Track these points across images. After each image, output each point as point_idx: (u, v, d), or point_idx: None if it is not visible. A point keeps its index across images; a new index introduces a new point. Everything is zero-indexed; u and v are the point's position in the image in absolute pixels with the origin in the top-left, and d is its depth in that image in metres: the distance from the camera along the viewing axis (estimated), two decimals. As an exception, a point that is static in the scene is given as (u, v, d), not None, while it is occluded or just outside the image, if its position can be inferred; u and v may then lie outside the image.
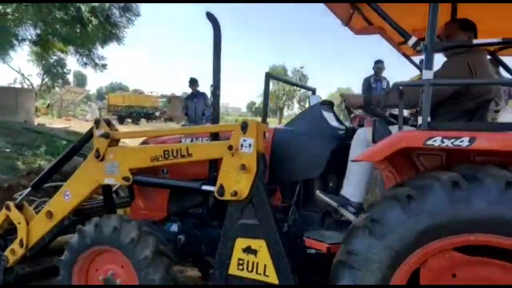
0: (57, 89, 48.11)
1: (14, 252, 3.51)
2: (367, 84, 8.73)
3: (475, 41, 2.22)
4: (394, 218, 2.07)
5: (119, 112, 35.28)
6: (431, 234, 2.01)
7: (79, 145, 3.50)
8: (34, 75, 46.89)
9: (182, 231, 3.29)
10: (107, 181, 3.21)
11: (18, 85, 42.26)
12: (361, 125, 3.06)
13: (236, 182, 2.75)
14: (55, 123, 21.27)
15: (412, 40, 2.20)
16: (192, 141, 3.26)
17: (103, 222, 2.94)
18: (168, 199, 3.36)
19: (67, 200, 3.34)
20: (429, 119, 2.10)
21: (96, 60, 14.45)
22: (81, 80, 68.44)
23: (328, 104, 3.26)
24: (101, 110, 39.07)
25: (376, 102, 2.86)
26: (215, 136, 3.01)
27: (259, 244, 2.72)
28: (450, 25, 2.88)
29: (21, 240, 3.47)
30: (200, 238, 3.20)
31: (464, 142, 1.94)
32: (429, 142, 2.00)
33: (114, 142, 3.24)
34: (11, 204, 3.55)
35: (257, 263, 2.72)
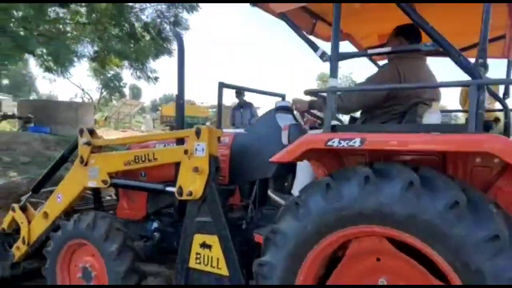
0: (114, 102, 50.00)
1: (19, 248, 3.97)
2: None
3: (375, 50, 2.34)
4: (313, 204, 2.23)
5: (172, 122, 36.40)
6: (343, 221, 2.16)
7: (68, 153, 3.92)
8: (93, 89, 49.42)
9: (158, 229, 3.59)
10: (90, 184, 3.59)
11: (79, 99, 44.56)
12: (311, 127, 3.23)
13: (191, 183, 3.02)
14: (112, 134, 22.38)
15: (319, 51, 2.37)
16: (164, 146, 3.57)
17: (80, 218, 3.31)
18: (146, 200, 3.68)
19: (59, 202, 3.75)
20: (334, 122, 2.27)
21: (149, 73, 14.79)
22: (136, 93, 71.06)
23: (287, 109, 3.45)
24: (155, 121, 40.26)
25: (318, 106, 3.03)
26: (179, 142, 3.30)
27: (213, 240, 2.97)
28: (392, 32, 3.01)
29: (23, 238, 3.93)
30: (172, 235, 3.49)
31: (356, 143, 2.10)
32: (329, 143, 2.17)
33: (96, 149, 3.61)
34: (16, 206, 4.02)
35: (211, 257, 2.98)
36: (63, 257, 3.45)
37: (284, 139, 2.74)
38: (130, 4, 13.19)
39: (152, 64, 14.95)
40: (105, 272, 3.15)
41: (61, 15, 13.35)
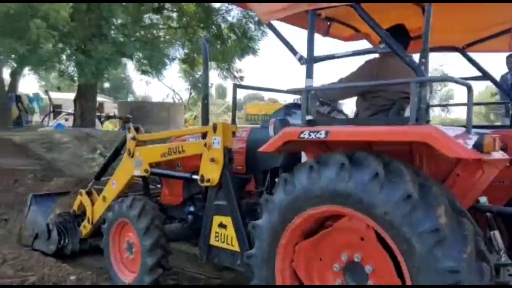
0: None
1: (85, 227, 4.76)
2: (504, 80, 8.65)
3: (341, 53, 2.58)
4: (298, 181, 2.57)
5: (256, 121, 36.90)
6: (320, 199, 2.47)
7: (120, 147, 4.61)
8: (183, 90, 52.18)
9: (192, 212, 4.14)
10: (136, 173, 4.23)
11: (170, 100, 47.28)
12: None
13: (210, 172, 3.51)
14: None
15: (298, 55, 2.69)
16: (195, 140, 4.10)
17: (124, 201, 3.96)
18: (182, 187, 4.24)
19: (114, 187, 4.46)
20: (309, 117, 2.60)
21: (235, 73, 15.16)
22: (221, 92, 73.56)
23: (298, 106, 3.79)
24: (239, 119, 41.83)
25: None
26: (203, 136, 3.80)
27: (228, 220, 3.44)
28: None
29: (88, 218, 4.71)
30: (202, 218, 4.01)
31: (322, 134, 2.41)
32: (301, 136, 2.50)
33: (140, 142, 4.25)
34: (83, 191, 4.82)
35: (227, 235, 3.45)
36: (113, 233, 4.14)
37: (271, 132, 3.10)
38: (217, 6, 13.83)
39: (238, 63, 15.37)
40: (139, 245, 3.77)
41: (155, 21, 14.57)
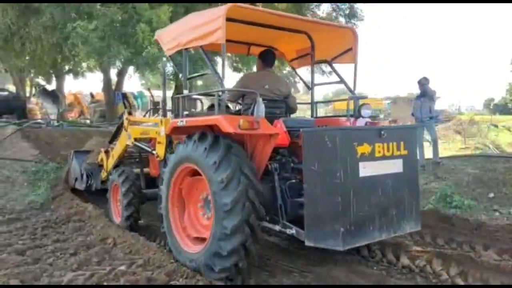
0: None
1: (103, 173, 7.13)
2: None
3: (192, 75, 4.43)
4: (178, 150, 4.54)
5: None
6: (184, 160, 4.39)
7: (121, 124, 6.74)
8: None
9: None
10: (128, 143, 6.32)
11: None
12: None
13: (159, 150, 5.46)
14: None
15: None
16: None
17: (118, 170, 6.28)
18: (158, 163, 6.03)
19: (117, 149, 6.67)
20: (186, 112, 4.72)
21: (323, 68, 14.99)
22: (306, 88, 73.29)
23: None
24: (327, 114, 41.68)
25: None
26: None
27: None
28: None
29: (104, 168, 7.00)
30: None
31: (182, 123, 4.40)
32: (177, 124, 4.47)
33: (131, 122, 6.33)
34: (102, 150, 7.14)
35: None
36: (112, 191, 6.42)
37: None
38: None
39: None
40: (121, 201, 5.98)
41: None
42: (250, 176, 3.85)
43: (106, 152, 7.06)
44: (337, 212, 3.50)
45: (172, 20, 9.60)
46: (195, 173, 4.41)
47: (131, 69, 17.08)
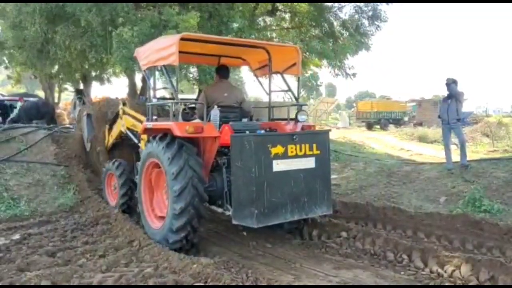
0: (311, 100, 53.05)
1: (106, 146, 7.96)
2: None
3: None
4: (147, 147, 5.56)
5: (367, 119, 35.16)
6: (150, 155, 5.43)
7: (116, 115, 7.40)
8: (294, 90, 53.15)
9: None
10: (122, 129, 6.99)
11: (280, 99, 48.37)
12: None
13: (142, 144, 6.22)
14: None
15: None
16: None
17: (114, 162, 7.06)
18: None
19: (113, 132, 7.52)
20: (155, 117, 5.81)
21: (347, 70, 14.73)
22: (331, 91, 72.03)
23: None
24: (351, 117, 41.27)
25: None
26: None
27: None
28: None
29: (106, 142, 7.86)
30: None
31: (150, 125, 5.52)
32: (146, 127, 5.62)
33: (125, 112, 6.92)
34: (106, 126, 7.93)
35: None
36: (107, 178, 7.29)
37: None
38: (329, 4, 14.03)
39: (350, 60, 14.87)
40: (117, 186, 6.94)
41: (268, 22, 15.36)
42: (196, 169, 4.88)
43: (109, 129, 7.97)
44: (252, 198, 4.50)
45: (199, 25, 9.91)
46: (160, 165, 5.24)
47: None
